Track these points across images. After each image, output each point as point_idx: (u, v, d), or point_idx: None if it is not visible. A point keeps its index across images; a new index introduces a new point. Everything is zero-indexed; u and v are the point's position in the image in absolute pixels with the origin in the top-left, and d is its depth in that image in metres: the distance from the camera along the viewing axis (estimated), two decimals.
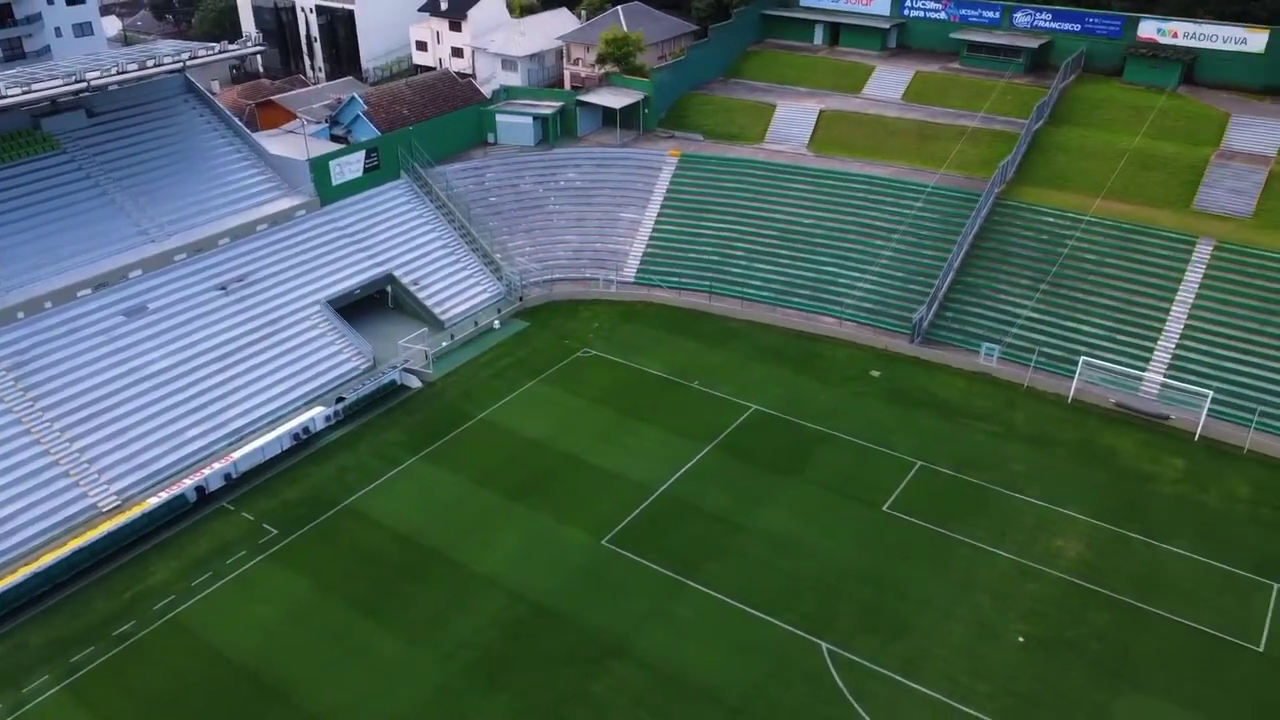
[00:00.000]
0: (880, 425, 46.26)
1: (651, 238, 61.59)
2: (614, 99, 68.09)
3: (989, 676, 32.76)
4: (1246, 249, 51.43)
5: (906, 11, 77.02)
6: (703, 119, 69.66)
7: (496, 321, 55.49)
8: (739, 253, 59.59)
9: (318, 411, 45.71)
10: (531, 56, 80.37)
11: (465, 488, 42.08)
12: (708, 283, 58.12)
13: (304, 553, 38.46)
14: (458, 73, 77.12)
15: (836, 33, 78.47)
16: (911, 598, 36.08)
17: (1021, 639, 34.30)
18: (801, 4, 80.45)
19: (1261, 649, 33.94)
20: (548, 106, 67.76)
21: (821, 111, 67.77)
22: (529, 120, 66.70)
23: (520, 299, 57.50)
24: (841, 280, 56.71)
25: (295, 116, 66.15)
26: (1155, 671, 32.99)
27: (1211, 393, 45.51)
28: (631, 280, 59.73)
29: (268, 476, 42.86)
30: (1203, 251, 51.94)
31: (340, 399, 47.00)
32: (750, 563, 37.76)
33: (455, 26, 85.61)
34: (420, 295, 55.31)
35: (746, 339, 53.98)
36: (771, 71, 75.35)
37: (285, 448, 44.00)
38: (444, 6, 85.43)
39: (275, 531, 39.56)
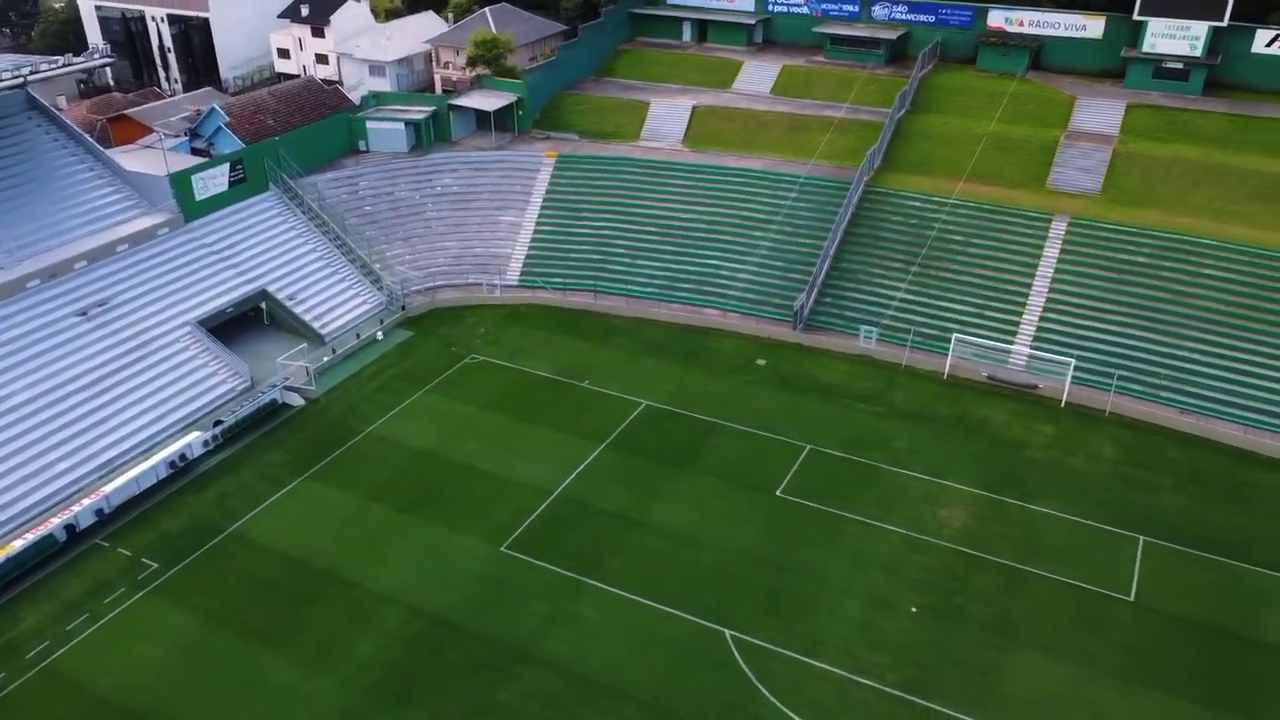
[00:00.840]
0: (769, 412, 47.23)
1: (533, 240, 61.31)
2: (487, 102, 67.47)
3: (886, 648, 33.86)
4: (1097, 223, 54.53)
5: (770, 7, 78.74)
6: (578, 119, 69.71)
7: (379, 333, 54.31)
8: (621, 250, 59.89)
9: (194, 437, 43.87)
10: (400, 61, 78.94)
11: (356, 505, 41.06)
12: (592, 282, 58.22)
13: (189, 585, 36.86)
14: (323, 80, 75.09)
15: (704, 29, 79.63)
16: (809, 578, 36.98)
17: (914, 609, 35.56)
18: (669, 2, 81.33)
19: (1132, 598, 36.06)
20: (419, 111, 66.66)
21: (694, 107, 68.66)
22: (401, 126, 65.48)
23: (403, 308, 56.42)
24: (723, 272, 57.63)
25: (152, 131, 63.19)
26: (1038, 628, 34.69)
27: (1074, 361, 48.11)
28: (515, 283, 59.33)
29: (144, 508, 40.90)
30: (1058, 228, 54.81)
31: (218, 422, 45.20)
32: (651, 557, 38.04)
33: (318, 32, 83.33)
34: (297, 310, 53.66)
35: (633, 335, 54.31)
36: (643, 69, 75.95)
37: (161, 477, 42.06)
38: (305, 12, 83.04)
39: (156, 565, 37.78)
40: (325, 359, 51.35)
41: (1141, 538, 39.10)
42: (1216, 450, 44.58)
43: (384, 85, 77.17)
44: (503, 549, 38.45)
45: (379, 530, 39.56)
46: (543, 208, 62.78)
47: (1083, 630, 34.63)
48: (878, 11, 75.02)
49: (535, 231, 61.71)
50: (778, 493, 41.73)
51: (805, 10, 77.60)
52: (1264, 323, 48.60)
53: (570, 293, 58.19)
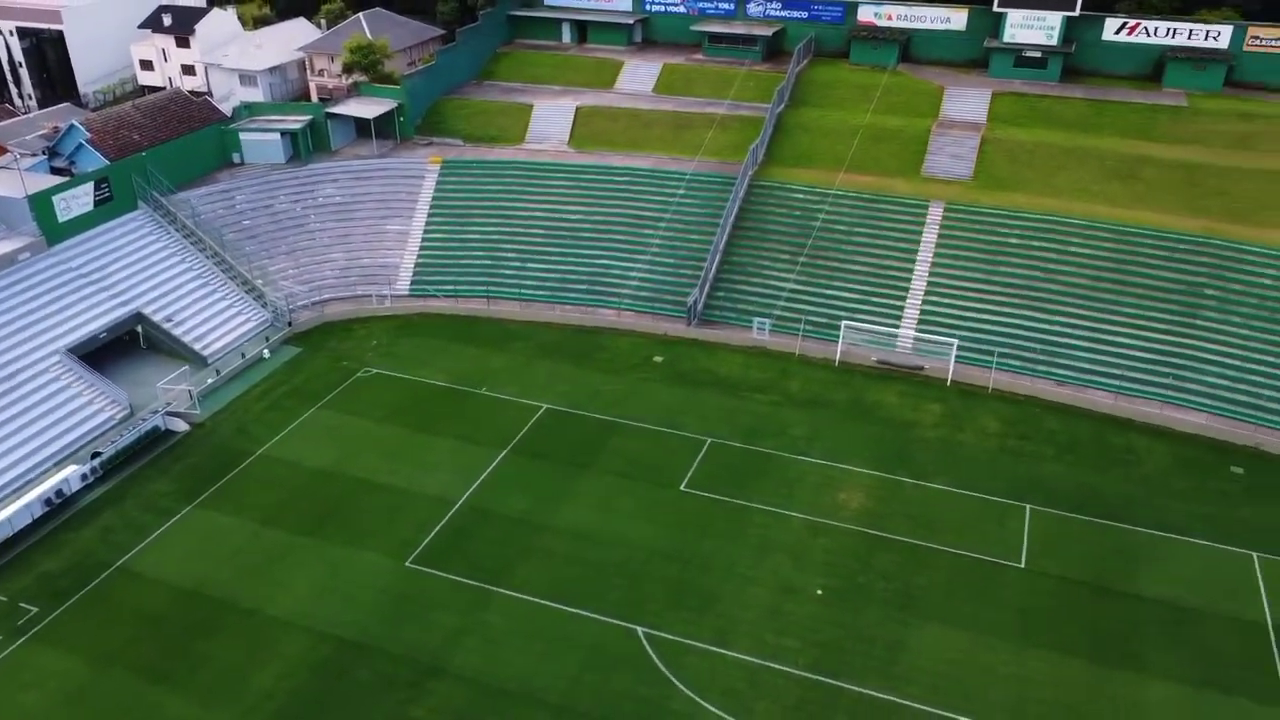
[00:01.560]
0: (668, 408, 47.62)
1: (422, 247, 60.32)
2: (366, 109, 66.04)
3: (794, 632, 34.55)
4: (970, 208, 56.75)
5: (648, 7, 79.32)
6: (461, 123, 68.89)
7: (266, 350, 52.59)
8: (511, 254, 59.47)
9: (71, 471, 41.68)
10: (272, 70, 76.53)
11: (251, 530, 39.68)
12: (484, 287, 57.65)
13: (74, 627, 34.99)
14: (191, 91, 72.22)
15: (584, 30, 79.69)
16: (716, 569, 37.43)
17: (820, 591, 36.38)
18: (547, 3, 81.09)
19: (1023, 565, 37.69)
20: (296, 121, 64.80)
21: (578, 108, 68.66)
22: (277, 137, 63.50)
23: (289, 324, 54.77)
24: (615, 271, 57.82)
25: (5, 151, 59.67)
26: (937, 601, 35.93)
27: (956, 341, 50.00)
28: (406, 293, 58.28)
29: (20, 549, 38.64)
30: (935, 214, 56.82)
31: (96, 454, 43.03)
32: (558, 560, 37.91)
33: (183, 43, 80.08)
34: (176, 332, 51.52)
35: (529, 339, 54.01)
36: (524, 71, 75.56)
37: (37, 515, 39.80)
38: (168, 22, 79.71)
39: (35, 609, 35.74)
40: (209, 381, 49.44)
41: (1028, 506, 40.90)
42: (1091, 418, 46.96)
43: (256, 95, 74.70)
44: (407, 564, 37.74)
45: (276, 554, 38.32)
46: (430, 215, 61.84)
47: (978, 599, 36.02)
48: (753, 9, 76.40)
49: (423, 239, 60.74)
50: (681, 487, 42.10)
51: (682, 9, 78.46)
52: (1127, 295, 51.40)
53: (462, 299, 57.49)
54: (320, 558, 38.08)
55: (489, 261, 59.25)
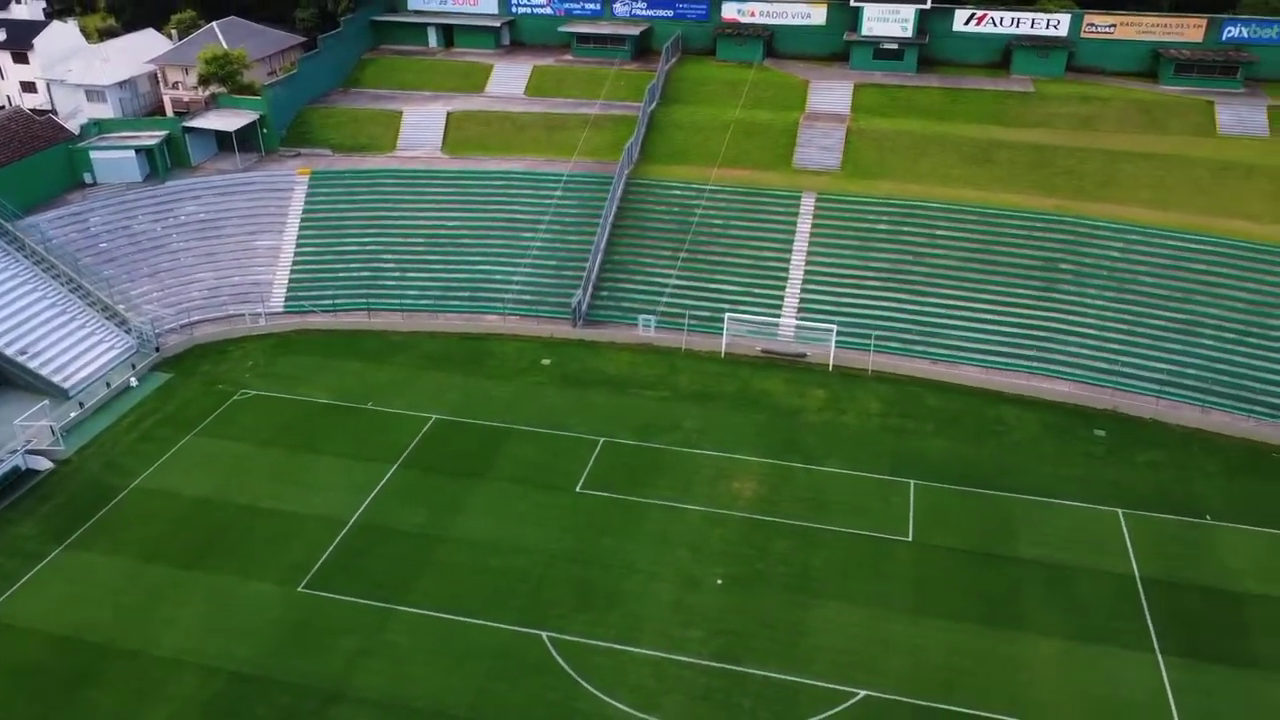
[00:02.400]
0: (559, 411, 47.53)
1: (295, 262, 58.51)
2: (226, 121, 63.62)
3: (698, 623, 35.00)
4: (840, 197, 58.51)
5: (514, 9, 78.90)
6: (328, 133, 67.11)
7: (133, 379, 50.12)
8: (390, 264, 58.30)
9: None
10: (122, 84, 72.89)
11: (129, 567, 37.74)
12: (363, 300, 56.33)
13: None
14: (33, 110, 68.16)
15: (450, 34, 78.70)
16: (617, 568, 37.58)
17: (720, 581, 36.94)
18: (411, 8, 79.77)
19: (910, 538, 39.14)
20: (151, 137, 61.94)
21: (449, 113, 67.77)
22: (131, 154, 60.55)
23: (157, 349, 52.31)
24: (498, 276, 57.34)
25: None
26: (833, 580, 36.96)
27: (835, 327, 51.52)
28: (281, 310, 56.43)
29: None
30: (808, 204, 58.36)
31: None
32: (457, 572, 37.40)
33: (20, 58, 75.57)
34: (32, 365, 48.52)
35: (413, 350, 53.04)
36: (392, 78, 74.13)
37: None
38: (2, 37, 75.01)
39: None
40: (73, 414, 46.80)
41: (912, 482, 42.47)
42: (965, 393, 49.09)
43: (106, 111, 71.03)
44: (300, 589, 36.58)
45: (159, 591, 36.57)
46: (301, 228, 60.03)
47: (872, 574, 37.23)
48: (619, 9, 76.89)
49: (296, 254, 58.93)
50: (577, 489, 42.09)
51: (549, 11, 78.34)
52: (991, 273, 53.92)
53: (342, 313, 56.04)
54: (207, 591, 36.55)
55: (367, 273, 57.92)
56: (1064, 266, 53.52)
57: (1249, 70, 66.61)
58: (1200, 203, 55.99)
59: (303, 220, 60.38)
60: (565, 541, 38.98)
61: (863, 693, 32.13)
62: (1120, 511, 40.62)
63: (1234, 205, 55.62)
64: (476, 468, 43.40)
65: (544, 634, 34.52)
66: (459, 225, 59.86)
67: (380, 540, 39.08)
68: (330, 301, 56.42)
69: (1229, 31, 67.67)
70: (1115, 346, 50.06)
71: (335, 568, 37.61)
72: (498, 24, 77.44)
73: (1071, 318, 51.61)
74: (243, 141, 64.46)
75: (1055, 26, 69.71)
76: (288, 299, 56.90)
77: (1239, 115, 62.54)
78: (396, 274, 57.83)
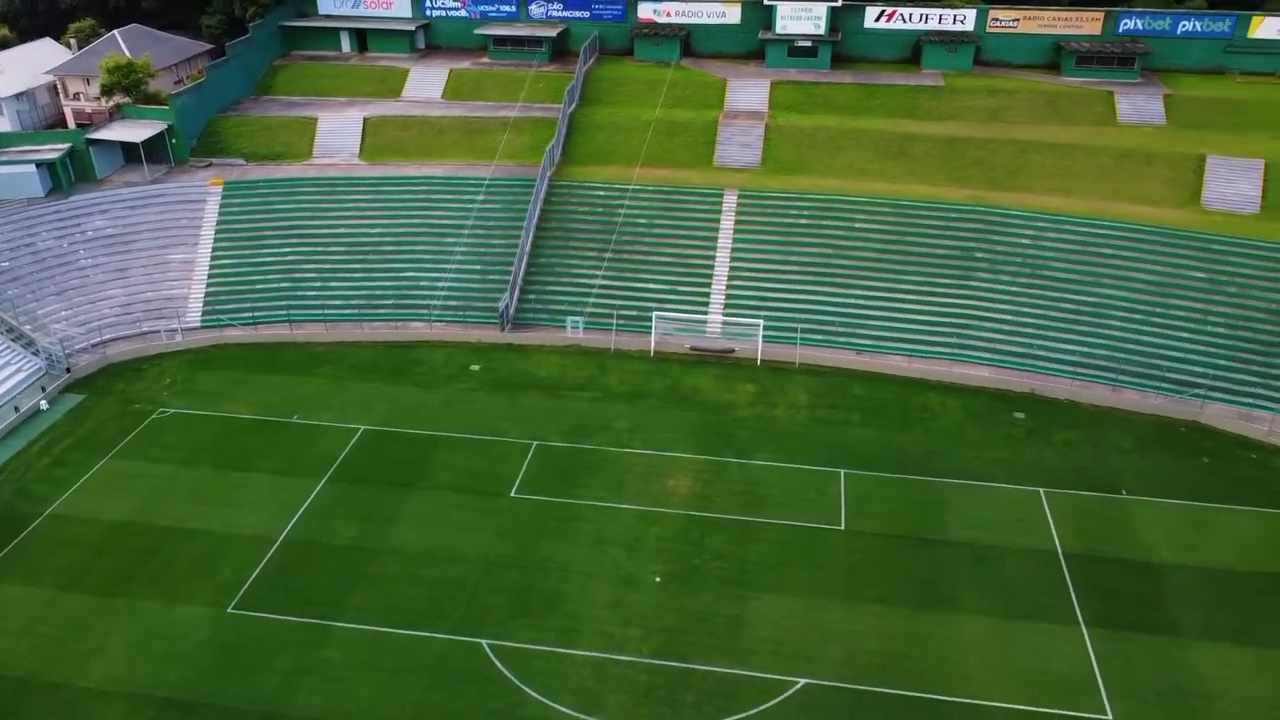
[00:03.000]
0: (490, 416, 47.22)
1: (211, 276, 57.00)
2: (132, 132, 61.66)
3: (637, 622, 35.12)
4: (762, 193, 59.26)
5: (428, 12, 78.04)
6: (241, 142, 65.52)
7: (43, 402, 48.25)
8: (311, 274, 57.19)
9: None
10: (18, 96, 69.97)
11: (47, 597, 36.35)
12: (284, 311, 55.14)
13: None
14: None
15: (364, 39, 77.47)
16: (555, 571, 37.50)
17: (658, 579, 37.13)
18: (323, 12, 78.33)
19: (843, 527, 39.85)
20: (52, 150, 59.67)
21: (366, 119, 66.74)
22: (31, 168, 58.25)
23: (68, 370, 50.44)
24: (423, 283, 56.69)
25: None
26: (769, 572, 37.44)
27: (762, 321, 52.18)
28: (198, 325, 54.93)
29: None
30: (730, 201, 58.95)
31: None
32: (393, 584, 36.89)
33: None
34: None
35: (338, 361, 52.15)
36: (305, 84, 72.68)
37: None
38: None
39: None
40: None
41: (843, 471, 43.25)
42: (890, 382, 50.16)
43: (3, 125, 68.11)
44: (230, 610, 35.68)
45: (81, 620, 35.30)
46: (216, 240, 58.51)
47: (807, 564, 37.81)
48: (535, 10, 76.61)
49: (212, 266, 57.41)
50: (512, 494, 41.88)
51: (464, 13, 77.68)
52: (910, 264, 55.16)
53: (263, 326, 54.76)
54: (132, 617, 35.40)
55: (287, 284, 56.71)
56: (979, 255, 55.03)
57: (1145, 61, 69.36)
58: (1104, 189, 58.12)
59: (217, 232, 58.85)
60: (501, 547, 38.75)
61: (802, 681, 32.63)
62: (1042, 491, 41.96)
63: (1135, 191, 57.86)
64: (408, 477, 42.86)
65: (483, 641, 34.28)
66: (381, 232, 59.01)
67: (312, 556, 38.34)
68: (250, 314, 55.09)
69: (1125, 24, 70.35)
70: (1030, 331, 51.67)
71: (266, 586, 36.78)
72: (412, 27, 76.49)
73: (988, 305, 53.11)
74: (151, 153, 62.55)
75: (962, 21, 71.60)
76: (205, 313, 55.40)
77: (1137, 105, 65.06)
78: (318, 284, 56.75)
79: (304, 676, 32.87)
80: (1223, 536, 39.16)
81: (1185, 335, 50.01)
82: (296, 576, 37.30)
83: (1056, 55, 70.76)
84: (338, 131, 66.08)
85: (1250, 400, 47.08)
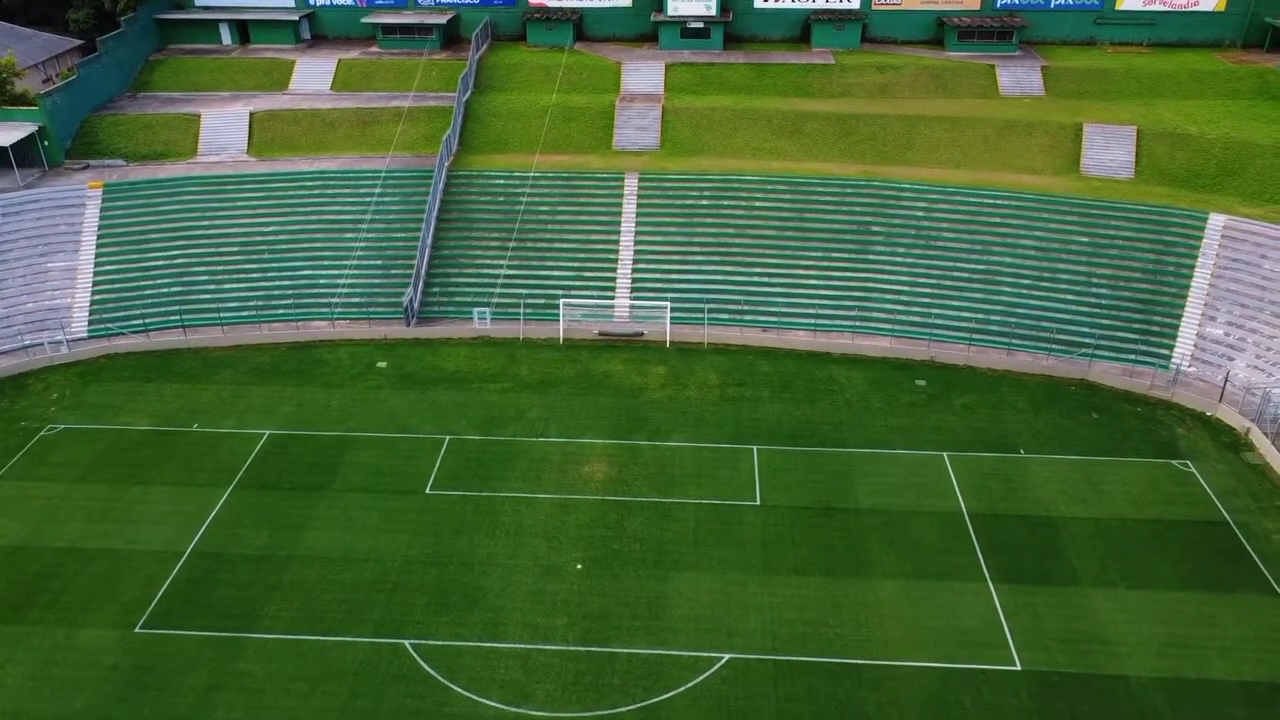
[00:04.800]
0: (400, 413, 46.53)
1: (96, 283, 54.57)
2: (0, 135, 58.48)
3: (561, 610, 35.21)
4: (662, 175, 59.56)
5: (312, 1, 75.79)
6: (120, 141, 62.71)
7: None
8: (204, 277, 55.26)
9: None
10: None
11: None
12: (177, 317, 53.20)
13: None
14: None
15: (245, 30, 74.86)
16: (475, 566, 37.29)
17: (579, 566, 37.26)
18: (199, 4, 75.36)
19: (758, 502, 40.61)
20: None
21: (252, 114, 64.60)
22: None
23: None
24: (322, 281, 55.36)
25: None
26: (687, 551, 37.93)
27: (669, 303, 52.58)
28: (85, 335, 52.58)
29: None
30: (631, 185, 59.08)
31: None
32: (309, 590, 36.15)
33: None
34: None
35: (237, 365, 50.61)
36: (185, 79, 69.91)
37: None
38: None
39: None
40: None
41: (755, 447, 44.02)
42: (796, 357, 51.18)
43: None
44: (138, 630, 34.45)
45: None
46: (99, 245, 56.00)
47: (724, 541, 38.44)
48: None
49: (96, 273, 54.95)
50: (427, 490, 41.41)
51: (350, 2, 75.70)
52: (808, 239, 56.24)
53: (155, 333, 52.74)
54: (30, 645, 33.87)
55: (179, 288, 54.69)
56: (875, 229, 56.43)
57: (1023, 34, 71.84)
58: (990, 160, 60.19)
59: (100, 237, 56.32)
60: (419, 545, 38.33)
61: (726, 656, 33.23)
62: (945, 454, 43.46)
63: (1019, 160, 60.09)
64: (319, 480, 41.97)
65: (406, 642, 33.92)
66: (275, 230, 57.33)
67: (221, 568, 37.27)
68: (140, 321, 52.97)
69: None
70: (927, 300, 53.31)
71: (175, 603, 35.62)
72: (296, 17, 74.20)
73: (886, 276, 54.56)
74: (21, 156, 59.39)
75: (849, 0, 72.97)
76: (91, 323, 53.04)
77: (1017, 77, 67.45)
78: (212, 287, 54.88)
79: (221, 692, 32.01)
80: (1112, 488, 41.24)
81: (1071, 298, 52.29)
82: (207, 590, 36.23)
83: (939, 31, 72.75)
84: (223, 128, 63.80)
85: (1133, 357, 49.58)
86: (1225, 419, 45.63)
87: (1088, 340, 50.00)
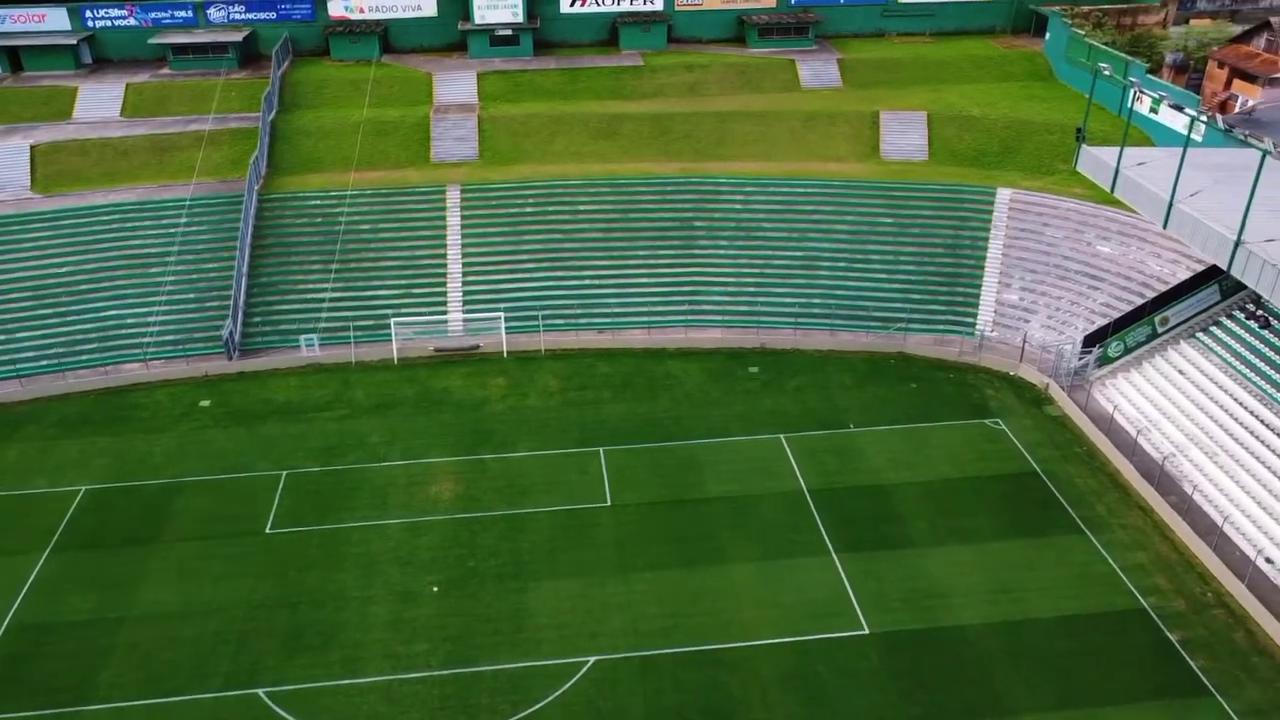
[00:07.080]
0: (230, 452, 44.45)
1: None
2: None
3: (421, 636, 34.63)
4: (484, 186, 59.20)
5: (90, 23, 70.95)
6: None
7: None
8: None
9: None
10: None
11: None
12: None
13: None
14: None
15: (17, 56, 69.26)
16: (327, 602, 36.13)
17: (435, 588, 36.72)
18: None
19: (608, 503, 41.11)
20: None
21: (34, 147, 60.00)
22: None
23: None
24: (130, 321, 52.09)
25: None
26: (543, 560, 37.99)
27: (503, 313, 52.42)
28: None
29: None
30: (453, 197, 58.44)
31: None
32: (148, 651, 34.07)
33: None
34: None
35: (41, 419, 46.98)
36: None
37: None
38: None
39: None
40: None
41: (601, 449, 44.54)
42: (633, 355, 52.05)
43: None
44: None
45: None
46: None
47: (579, 545, 38.75)
48: (214, 15, 71.65)
49: None
50: (267, 530, 39.76)
51: (133, 22, 71.28)
52: (634, 238, 57.27)
53: None
54: None
55: None
56: (697, 224, 58.02)
57: (818, 29, 75.34)
58: (797, 151, 62.90)
59: None
60: (264, 589, 36.78)
61: (592, 659, 33.58)
62: (782, 436, 45.29)
63: (824, 149, 63.08)
64: (147, 533, 39.58)
65: (260, 691, 32.54)
66: (70, 271, 53.48)
67: (45, 639, 34.61)
68: None
69: None
70: (753, 289, 55.29)
71: None
72: (74, 41, 69.27)
73: (712, 269, 56.23)
74: None
75: (652, 1, 74.52)
76: None
77: (816, 70, 70.73)
78: (2, 337, 50.66)
79: None
80: (935, 451, 44.10)
81: (883, 276, 55.42)
82: (30, 665, 33.57)
83: (741, 29, 75.35)
84: (0, 164, 58.91)
85: (942, 327, 53.09)
86: (1026, 377, 49.58)
87: (901, 315, 53.16)
